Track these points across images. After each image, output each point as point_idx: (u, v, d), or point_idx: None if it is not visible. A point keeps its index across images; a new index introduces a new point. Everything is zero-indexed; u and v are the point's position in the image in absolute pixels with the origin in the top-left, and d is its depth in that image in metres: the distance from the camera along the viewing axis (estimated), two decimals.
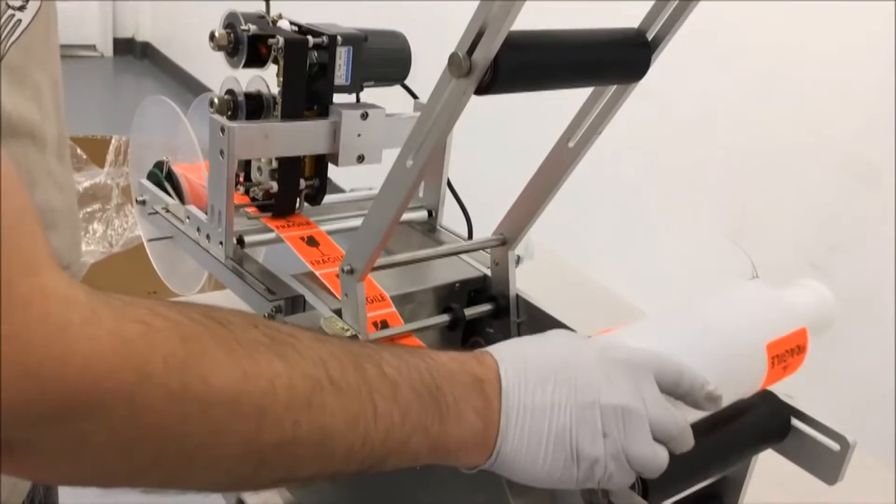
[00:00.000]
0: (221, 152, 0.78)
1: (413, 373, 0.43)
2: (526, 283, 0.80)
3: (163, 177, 0.97)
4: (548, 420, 0.45)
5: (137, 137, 1.07)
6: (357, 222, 0.82)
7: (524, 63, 0.57)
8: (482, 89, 0.55)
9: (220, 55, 0.82)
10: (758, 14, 1.68)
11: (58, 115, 0.50)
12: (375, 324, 0.73)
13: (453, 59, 0.54)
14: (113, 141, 2.32)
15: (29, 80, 0.45)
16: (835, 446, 0.58)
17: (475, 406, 0.44)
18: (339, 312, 0.71)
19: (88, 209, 2.20)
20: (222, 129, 0.78)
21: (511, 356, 0.47)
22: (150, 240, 0.99)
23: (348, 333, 0.68)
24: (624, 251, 2.04)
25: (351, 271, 0.67)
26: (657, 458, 0.46)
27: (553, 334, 0.52)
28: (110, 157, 2.35)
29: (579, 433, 0.45)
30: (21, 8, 0.40)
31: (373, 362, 0.42)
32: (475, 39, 0.53)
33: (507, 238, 0.79)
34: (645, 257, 2.00)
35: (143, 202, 0.98)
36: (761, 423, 0.60)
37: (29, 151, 0.46)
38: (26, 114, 0.45)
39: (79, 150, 2.20)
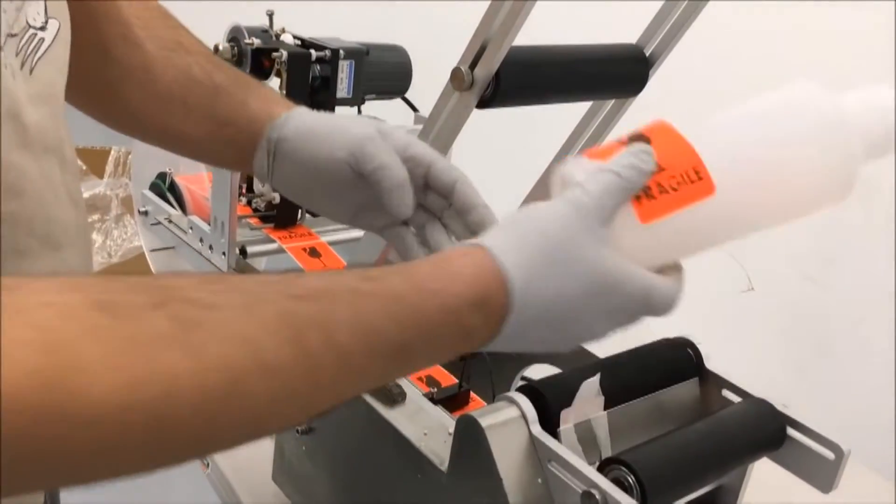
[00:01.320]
0: None
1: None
2: None
3: (165, 188, 0.98)
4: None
5: (139, 148, 1.08)
6: (359, 234, 0.83)
7: (525, 78, 0.58)
8: (483, 103, 0.56)
9: None
10: (753, 23, 1.69)
11: (70, 133, 0.51)
12: None
13: (456, 73, 0.55)
14: (112, 152, 2.34)
15: (52, 98, 0.46)
16: (829, 455, 0.58)
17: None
18: None
19: (87, 220, 2.21)
20: None
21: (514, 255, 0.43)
22: (152, 250, 0.99)
23: None
24: None
25: None
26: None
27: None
28: (109, 167, 2.36)
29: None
30: (42, 28, 0.41)
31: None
32: (477, 54, 0.54)
33: None
34: None
35: (146, 213, 0.99)
36: (757, 431, 0.61)
37: (54, 167, 0.46)
38: (54, 131, 0.46)
39: (78, 161, 2.20)
